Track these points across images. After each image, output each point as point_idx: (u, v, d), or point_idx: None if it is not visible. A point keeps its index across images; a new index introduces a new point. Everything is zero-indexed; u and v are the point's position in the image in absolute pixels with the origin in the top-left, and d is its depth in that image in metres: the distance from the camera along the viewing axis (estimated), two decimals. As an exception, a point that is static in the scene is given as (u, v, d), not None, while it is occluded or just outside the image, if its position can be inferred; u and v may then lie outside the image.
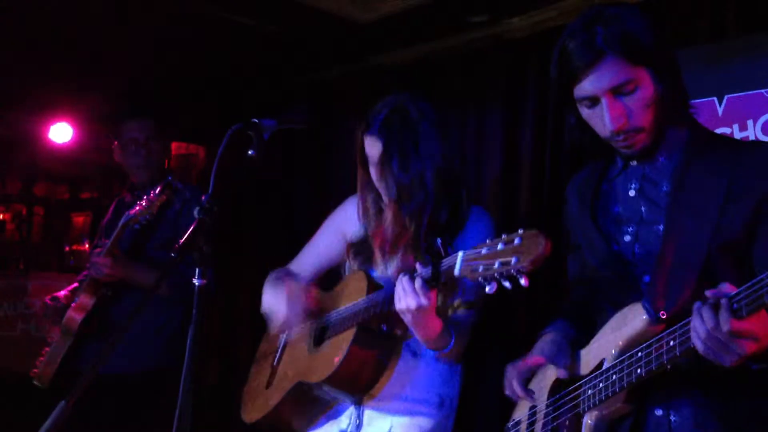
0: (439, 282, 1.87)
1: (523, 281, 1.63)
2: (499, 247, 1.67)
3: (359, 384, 2.13)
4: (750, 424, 1.58)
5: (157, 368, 3.02)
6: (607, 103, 1.63)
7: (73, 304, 3.04)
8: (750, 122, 2.57)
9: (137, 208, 2.91)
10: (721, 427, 1.58)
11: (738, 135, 2.61)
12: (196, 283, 1.72)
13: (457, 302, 2.15)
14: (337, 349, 2.13)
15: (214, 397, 4.28)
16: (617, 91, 1.62)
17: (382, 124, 2.19)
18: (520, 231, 1.66)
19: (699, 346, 1.41)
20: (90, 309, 3.00)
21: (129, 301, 3.01)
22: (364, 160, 2.28)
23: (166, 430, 1.60)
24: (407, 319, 1.97)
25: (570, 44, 1.65)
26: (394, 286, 1.97)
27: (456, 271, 1.78)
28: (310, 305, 2.30)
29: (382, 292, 2.09)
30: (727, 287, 1.41)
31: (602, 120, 1.65)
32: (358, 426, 2.20)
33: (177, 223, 3.02)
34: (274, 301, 2.34)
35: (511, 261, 1.63)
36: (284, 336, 2.46)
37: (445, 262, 1.83)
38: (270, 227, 4.18)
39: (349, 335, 2.12)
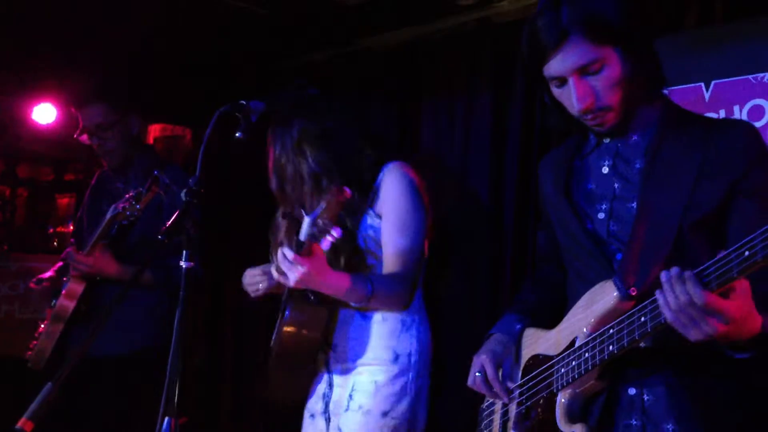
0: (301, 248, 1.99)
1: (334, 233, 1.93)
2: (322, 205, 1.95)
3: (306, 348, 2.29)
4: (722, 404, 1.60)
5: (150, 347, 3.04)
6: (573, 82, 1.62)
7: (63, 291, 3.04)
8: (736, 108, 2.59)
9: (125, 203, 2.87)
10: (693, 407, 1.59)
11: (724, 121, 2.63)
12: (183, 266, 1.72)
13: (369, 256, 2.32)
14: (281, 319, 2.32)
15: (201, 379, 4.29)
16: (583, 71, 1.61)
17: (272, 128, 2.41)
18: (331, 187, 1.98)
19: (668, 315, 1.41)
20: (80, 295, 3.01)
21: (118, 286, 3.01)
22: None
23: (155, 409, 1.60)
24: (305, 285, 2.08)
25: (537, 23, 1.63)
26: None
27: (302, 236, 1.99)
28: None
29: None
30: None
31: (570, 100, 1.65)
32: (331, 387, 2.39)
33: (161, 217, 2.99)
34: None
35: (324, 216, 1.93)
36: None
37: (301, 228, 2.02)
38: (257, 212, 4.15)
39: (286, 307, 2.33)
